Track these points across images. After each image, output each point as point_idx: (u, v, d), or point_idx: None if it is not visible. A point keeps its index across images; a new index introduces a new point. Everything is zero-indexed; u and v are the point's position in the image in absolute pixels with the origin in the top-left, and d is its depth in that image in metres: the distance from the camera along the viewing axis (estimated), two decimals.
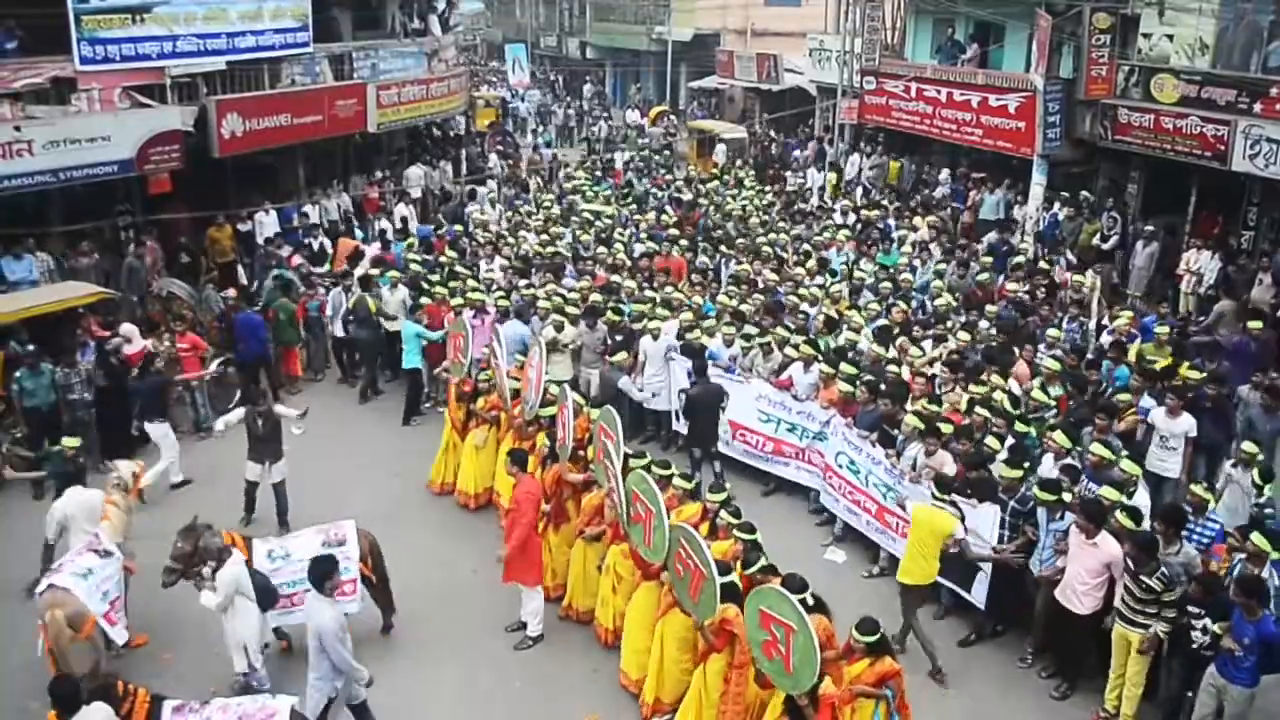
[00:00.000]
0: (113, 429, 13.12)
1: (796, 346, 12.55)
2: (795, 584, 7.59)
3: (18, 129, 14.87)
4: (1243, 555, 8.29)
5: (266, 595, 8.41)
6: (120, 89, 16.67)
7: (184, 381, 13.80)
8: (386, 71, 23.04)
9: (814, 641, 6.95)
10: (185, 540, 8.55)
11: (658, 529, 8.35)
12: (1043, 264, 16.41)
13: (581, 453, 10.40)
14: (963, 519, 9.27)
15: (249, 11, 18.56)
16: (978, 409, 10.75)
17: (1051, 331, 13.18)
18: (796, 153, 29.40)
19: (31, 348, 12.68)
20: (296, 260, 17.77)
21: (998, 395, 11.14)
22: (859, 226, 19.58)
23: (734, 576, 8.01)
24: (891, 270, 16.12)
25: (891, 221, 19.88)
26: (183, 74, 17.60)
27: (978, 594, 9.69)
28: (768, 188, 24.24)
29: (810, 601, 7.56)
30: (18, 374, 12.32)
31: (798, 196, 23.75)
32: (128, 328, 13.83)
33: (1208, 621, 7.92)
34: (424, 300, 14.86)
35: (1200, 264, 16.34)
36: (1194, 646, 8.05)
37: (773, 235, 18.39)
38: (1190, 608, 8.05)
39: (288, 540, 9.24)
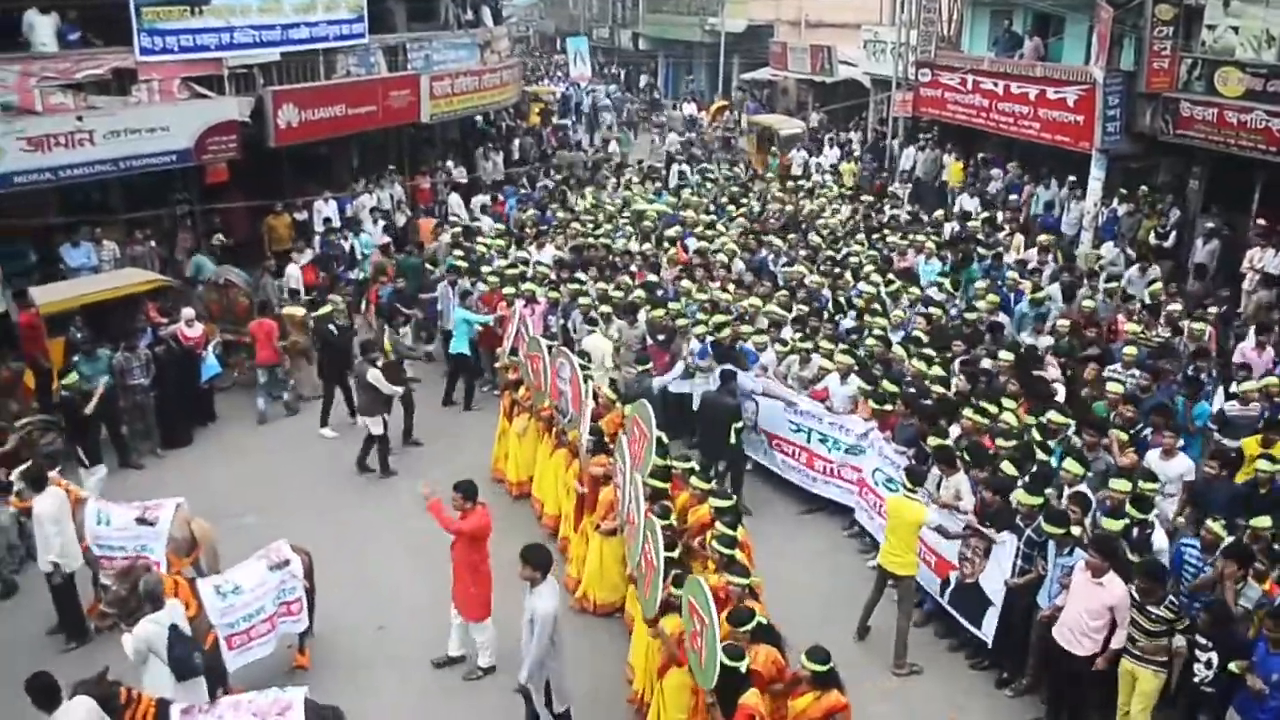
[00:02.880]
0: (172, 418, 13.43)
1: (831, 356, 12.10)
2: (740, 617, 7.30)
3: (80, 119, 15.18)
4: None
5: (183, 666, 7.59)
6: (179, 80, 16.97)
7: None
8: (440, 63, 23.17)
9: (717, 641, 6.91)
10: (122, 583, 8.02)
11: (708, 648, 7.11)
12: (1173, 307, 13.78)
13: (612, 446, 10.35)
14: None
15: (303, 4, 18.80)
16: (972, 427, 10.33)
17: (1128, 349, 12.13)
18: (797, 153, 28.17)
19: (81, 335, 12.93)
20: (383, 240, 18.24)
21: (1006, 417, 10.60)
22: (959, 239, 18.14)
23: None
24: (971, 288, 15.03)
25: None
26: (240, 65, 17.86)
27: (987, 629, 9.23)
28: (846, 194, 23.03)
29: (763, 623, 7.39)
30: (75, 359, 12.58)
31: (883, 203, 22.19)
32: (188, 312, 14.11)
33: (1213, 655, 7.42)
34: (480, 287, 15.06)
35: (1264, 261, 15.93)
36: (1195, 680, 7.56)
37: (857, 247, 17.52)
38: (1197, 638, 7.54)
39: (233, 573, 8.73)
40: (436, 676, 9.16)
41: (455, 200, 22.84)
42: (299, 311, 14.72)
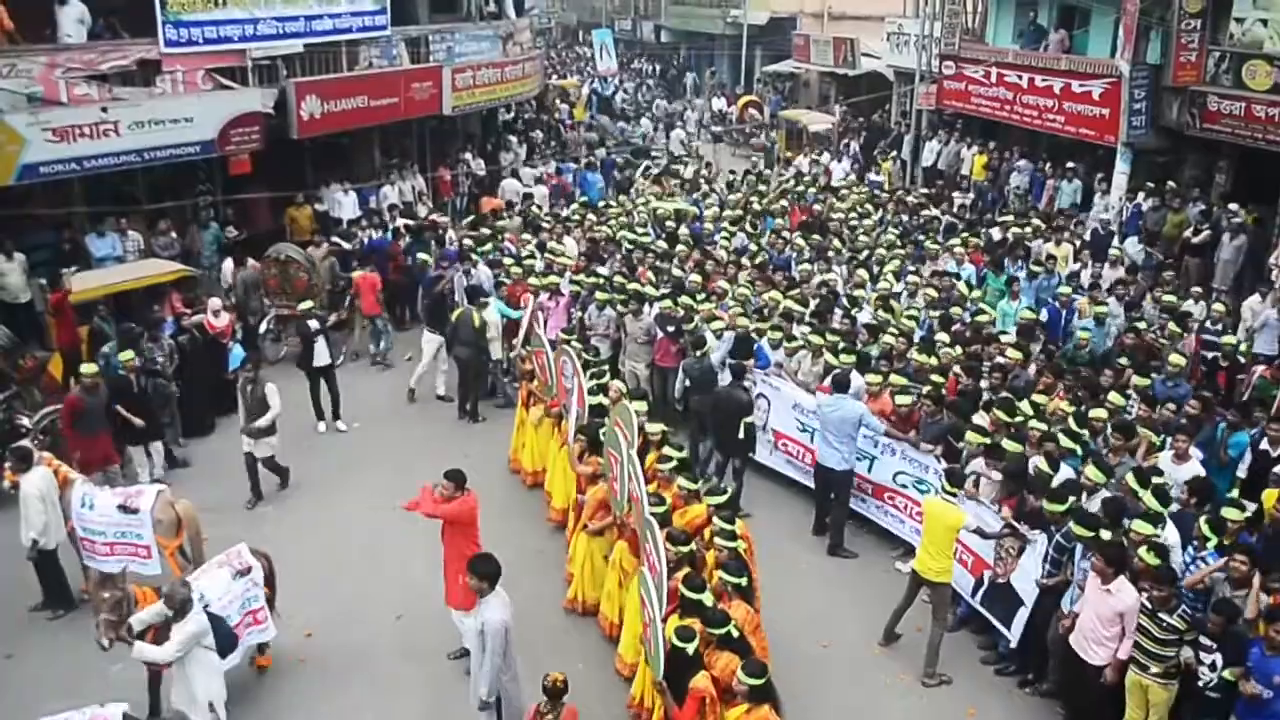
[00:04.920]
0: (194, 407, 13.48)
1: (835, 352, 11.72)
2: (712, 619, 7.34)
3: (104, 110, 15.27)
4: None
5: (227, 642, 7.81)
6: (203, 71, 17.05)
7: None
8: (462, 54, 23.21)
9: (660, 639, 7.11)
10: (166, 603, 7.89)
11: (654, 641, 7.53)
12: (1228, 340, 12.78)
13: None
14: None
15: None
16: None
17: (1175, 359, 11.60)
18: (826, 156, 27.90)
19: (107, 325, 13.06)
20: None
21: (1029, 409, 10.41)
22: (1001, 243, 17.49)
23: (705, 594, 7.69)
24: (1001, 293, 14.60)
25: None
26: (263, 56, 17.94)
27: (1015, 630, 9.10)
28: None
29: (733, 634, 7.33)
30: (104, 348, 12.65)
31: (926, 204, 21.23)
32: (214, 302, 14.25)
33: (1218, 658, 7.27)
34: (504, 279, 15.12)
35: None
36: (1199, 684, 7.38)
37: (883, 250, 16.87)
38: (1201, 640, 7.40)
39: (199, 581, 8.25)
40: (452, 668, 9.18)
41: (511, 184, 23.04)
42: None
